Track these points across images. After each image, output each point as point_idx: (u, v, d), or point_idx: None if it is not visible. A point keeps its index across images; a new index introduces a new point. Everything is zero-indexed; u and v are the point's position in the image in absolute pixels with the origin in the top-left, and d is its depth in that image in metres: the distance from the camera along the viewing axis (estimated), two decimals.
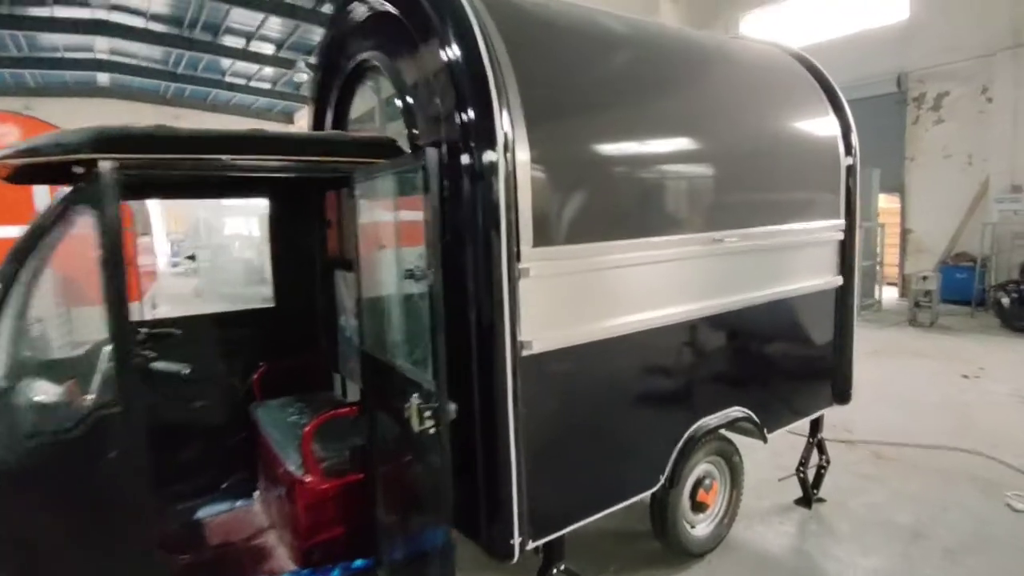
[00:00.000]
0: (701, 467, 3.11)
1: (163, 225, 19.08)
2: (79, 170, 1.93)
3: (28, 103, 17.93)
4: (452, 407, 2.04)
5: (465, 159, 2.15)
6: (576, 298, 2.39)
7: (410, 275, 2.21)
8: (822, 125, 3.54)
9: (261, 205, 3.75)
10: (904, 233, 11.91)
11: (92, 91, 21.63)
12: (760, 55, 3.69)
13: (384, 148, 2.48)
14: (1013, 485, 4.03)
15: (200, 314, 3.73)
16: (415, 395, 2.11)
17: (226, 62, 20.22)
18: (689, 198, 2.84)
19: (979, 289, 10.07)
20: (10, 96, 19.08)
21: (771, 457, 4.21)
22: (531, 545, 2.30)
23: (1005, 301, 9.02)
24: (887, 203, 11.76)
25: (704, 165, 2.90)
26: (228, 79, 22.07)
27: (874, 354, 7.52)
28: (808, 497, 3.85)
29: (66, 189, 2.03)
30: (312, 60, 16.73)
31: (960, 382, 6.55)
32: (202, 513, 3.26)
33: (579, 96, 2.49)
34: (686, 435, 2.88)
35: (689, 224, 2.78)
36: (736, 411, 3.10)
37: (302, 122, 23.69)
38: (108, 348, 1.95)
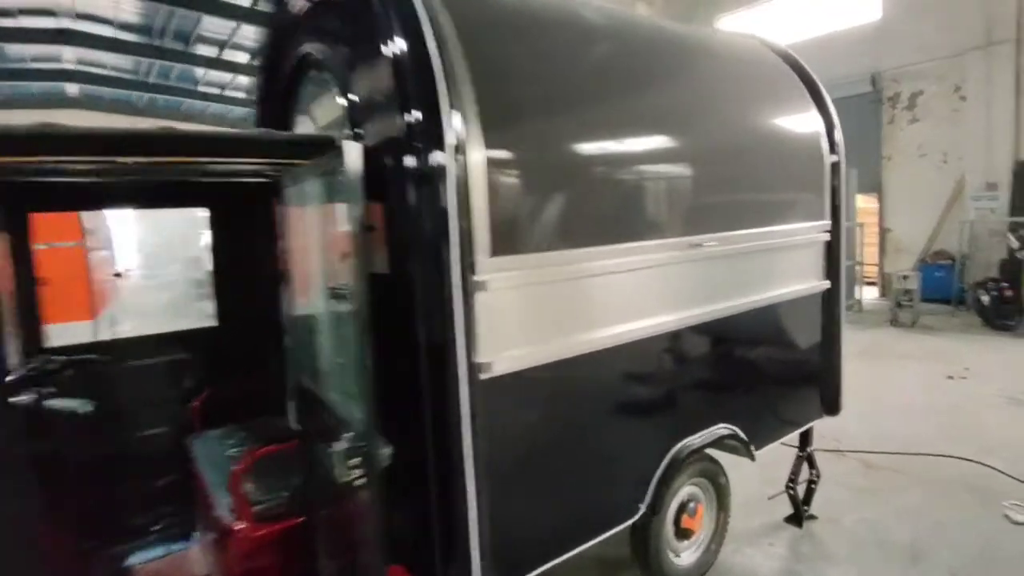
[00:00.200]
0: (685, 490, 2.89)
1: (137, 237, 18.52)
2: None
3: None
4: (386, 451, 1.78)
5: (410, 161, 1.90)
6: (544, 312, 2.16)
7: (335, 294, 1.94)
8: (805, 122, 3.36)
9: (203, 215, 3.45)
10: (883, 232, 11.95)
11: (61, 102, 20.86)
12: (740, 49, 3.51)
13: (322, 148, 2.20)
14: (1009, 494, 3.89)
15: (133, 336, 3.39)
16: (342, 439, 1.84)
17: (199, 71, 19.79)
18: (665, 200, 2.61)
19: (958, 287, 10.09)
20: None
21: (758, 470, 3.93)
22: None
23: (986, 299, 8.99)
24: (864, 203, 11.77)
25: (681, 164, 2.69)
26: (201, 88, 21.60)
27: (858, 356, 7.38)
28: (799, 514, 3.65)
29: None
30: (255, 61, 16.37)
31: (946, 384, 6.44)
32: (134, 559, 2.93)
33: (544, 92, 2.27)
34: (668, 457, 2.66)
35: (665, 228, 2.57)
36: (721, 428, 2.89)
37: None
38: None
